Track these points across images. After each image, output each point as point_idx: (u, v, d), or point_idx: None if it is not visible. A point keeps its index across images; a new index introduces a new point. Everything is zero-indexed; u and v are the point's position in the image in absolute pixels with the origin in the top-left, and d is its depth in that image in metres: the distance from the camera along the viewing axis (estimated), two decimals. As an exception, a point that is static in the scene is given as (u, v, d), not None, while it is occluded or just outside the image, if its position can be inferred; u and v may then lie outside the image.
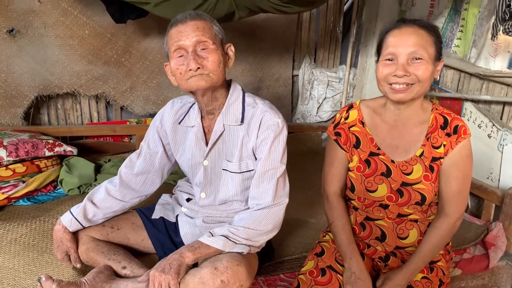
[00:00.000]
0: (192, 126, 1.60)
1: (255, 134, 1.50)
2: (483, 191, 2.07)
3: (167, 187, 2.01)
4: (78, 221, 1.57)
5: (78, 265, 1.58)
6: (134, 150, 2.87)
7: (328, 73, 3.45)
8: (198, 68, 1.39)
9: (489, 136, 2.36)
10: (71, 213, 1.58)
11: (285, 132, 1.51)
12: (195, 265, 1.43)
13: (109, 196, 1.63)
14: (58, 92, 2.77)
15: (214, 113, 1.55)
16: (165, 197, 1.83)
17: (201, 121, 1.59)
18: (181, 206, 1.73)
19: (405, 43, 1.32)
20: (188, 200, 1.72)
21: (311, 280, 1.46)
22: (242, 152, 1.54)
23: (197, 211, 1.66)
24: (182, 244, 1.62)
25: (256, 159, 1.54)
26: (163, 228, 1.70)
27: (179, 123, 1.63)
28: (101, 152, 2.88)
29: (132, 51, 2.84)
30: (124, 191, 1.65)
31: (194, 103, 1.61)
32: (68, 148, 2.41)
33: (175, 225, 1.70)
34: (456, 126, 1.40)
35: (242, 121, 1.52)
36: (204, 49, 1.41)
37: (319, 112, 3.48)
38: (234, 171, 1.55)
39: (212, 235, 1.41)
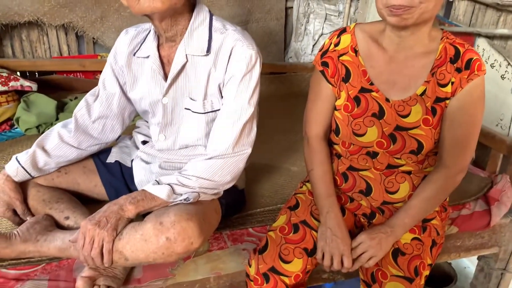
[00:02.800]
0: (147, 57, 1.33)
1: (223, 68, 1.25)
2: (490, 139, 1.81)
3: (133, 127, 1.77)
4: (26, 170, 1.34)
5: (28, 218, 1.33)
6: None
7: (327, 5, 3.09)
8: None
9: (502, 77, 2.07)
10: (18, 161, 1.33)
11: (258, 67, 1.26)
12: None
13: (62, 143, 1.38)
14: (19, 20, 2.46)
15: (175, 40, 1.28)
16: (124, 139, 1.60)
17: (158, 50, 1.31)
18: (138, 149, 1.50)
19: None
20: (144, 142, 1.48)
21: (282, 238, 1.26)
22: (208, 87, 1.29)
23: (154, 156, 1.43)
24: None
25: (222, 97, 1.30)
26: (118, 174, 1.49)
27: (134, 55, 1.36)
28: (71, 90, 2.61)
29: (101, -27, 2.51)
30: (80, 138, 1.41)
31: (151, 29, 1.33)
32: (26, 83, 2.15)
33: (131, 170, 1.48)
34: (470, 60, 1.12)
35: (208, 50, 1.26)
36: None
37: (315, 50, 3.16)
38: (197, 111, 1.32)
39: (158, 183, 1.19)
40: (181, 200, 1.18)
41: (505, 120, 2.06)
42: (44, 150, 1.37)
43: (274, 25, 3.07)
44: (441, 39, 1.16)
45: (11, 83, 2.09)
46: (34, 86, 2.18)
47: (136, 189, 1.42)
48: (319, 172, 1.30)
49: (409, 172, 1.26)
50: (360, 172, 1.29)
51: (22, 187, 1.36)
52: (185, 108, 1.34)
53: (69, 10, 2.53)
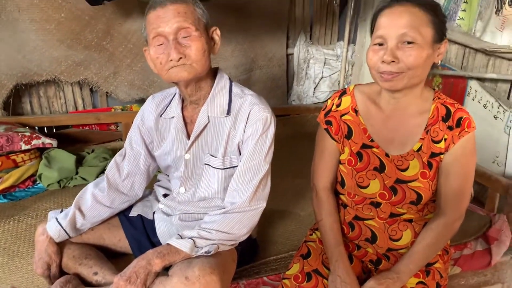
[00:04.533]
0: (172, 117, 1.48)
1: (242, 129, 1.39)
2: (487, 179, 1.91)
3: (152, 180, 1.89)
4: (66, 232, 1.44)
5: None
6: (121, 138, 2.82)
7: (325, 50, 3.26)
8: (180, 58, 1.27)
9: (495, 117, 2.20)
10: (59, 223, 1.43)
11: (273, 128, 1.40)
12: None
13: (97, 203, 1.50)
14: (37, 80, 2.64)
15: (198, 103, 1.44)
16: (145, 193, 1.71)
17: (182, 111, 1.47)
18: (158, 202, 1.61)
19: (395, 24, 1.15)
20: (165, 196, 1.60)
21: (296, 286, 1.34)
22: (228, 146, 1.42)
23: (174, 208, 1.55)
24: (159, 244, 1.52)
25: (240, 154, 1.42)
26: (140, 227, 1.59)
27: (161, 116, 1.51)
28: (87, 142, 2.76)
29: (114, 33, 2.68)
30: (112, 196, 1.53)
31: (176, 93, 1.49)
32: (47, 140, 2.29)
33: (153, 223, 1.59)
34: (460, 119, 1.25)
35: (228, 112, 1.41)
36: (186, 36, 1.28)
37: (316, 93, 3.32)
38: (217, 167, 1.44)
39: (181, 237, 1.30)
40: (202, 253, 1.28)
41: (501, 158, 2.18)
42: (81, 211, 1.47)
43: (276, 71, 3.23)
44: (433, 99, 1.29)
45: (34, 141, 2.22)
46: (55, 143, 2.32)
47: (157, 241, 1.54)
48: (328, 223, 1.40)
49: (410, 220, 1.35)
50: (365, 221, 1.39)
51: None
52: (205, 164, 1.46)
53: (84, 68, 2.70)
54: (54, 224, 1.43)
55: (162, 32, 1.28)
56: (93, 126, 2.83)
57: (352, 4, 3.17)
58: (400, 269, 1.31)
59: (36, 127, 2.65)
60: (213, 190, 1.47)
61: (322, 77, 3.28)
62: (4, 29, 2.46)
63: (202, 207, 1.51)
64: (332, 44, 3.35)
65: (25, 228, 1.83)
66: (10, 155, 2.14)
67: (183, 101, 1.47)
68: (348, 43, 3.26)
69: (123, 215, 1.60)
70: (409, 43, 1.14)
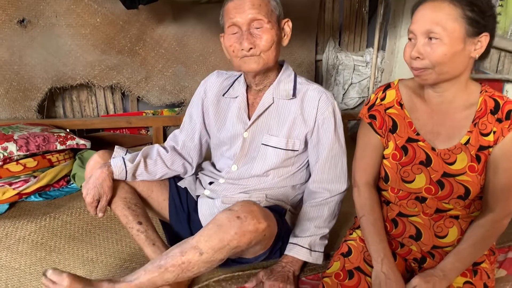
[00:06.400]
0: (236, 97, 1.55)
1: (313, 116, 1.48)
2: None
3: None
4: (126, 175, 1.48)
5: (100, 214, 1.46)
6: (151, 143, 2.84)
7: (354, 56, 3.25)
8: (251, 48, 1.37)
9: (535, 120, 2.13)
10: (125, 165, 1.47)
11: (339, 112, 1.53)
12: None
13: (160, 159, 1.57)
14: (71, 83, 2.69)
15: (263, 90, 1.52)
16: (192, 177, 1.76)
17: (246, 92, 1.55)
18: (204, 188, 1.64)
19: (423, 20, 1.15)
20: (210, 183, 1.64)
21: (338, 284, 1.31)
22: (293, 129, 1.50)
23: (218, 193, 1.59)
24: (196, 223, 1.56)
25: (305, 142, 1.53)
26: (184, 198, 1.63)
27: (223, 95, 1.59)
28: (117, 145, 2.78)
29: (146, 38, 2.73)
30: (173, 157, 1.61)
31: (240, 75, 1.57)
32: (81, 142, 2.32)
33: (196, 203, 1.62)
34: (510, 111, 1.22)
35: (294, 94, 1.49)
36: (258, 27, 1.38)
37: (345, 99, 3.30)
38: (279, 147, 1.51)
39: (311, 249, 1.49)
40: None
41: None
42: (145, 162, 1.53)
43: (305, 77, 3.19)
44: (480, 92, 1.26)
45: (68, 142, 2.26)
46: (88, 144, 2.35)
47: (195, 219, 1.57)
48: (370, 219, 1.37)
49: (456, 217, 1.31)
50: (410, 218, 1.35)
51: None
52: (262, 144, 1.52)
53: (117, 72, 2.74)
54: (120, 162, 1.48)
55: (236, 22, 1.38)
56: (123, 130, 2.86)
57: (382, 11, 3.16)
58: (446, 267, 1.27)
59: (67, 130, 2.68)
60: (267, 168, 1.53)
61: (351, 83, 3.26)
62: (42, 34, 2.53)
63: (247, 185, 1.56)
64: (361, 50, 3.34)
65: (61, 225, 1.86)
66: (46, 154, 2.17)
67: (247, 84, 1.55)
68: (378, 50, 3.25)
69: (173, 180, 1.65)
70: (434, 39, 1.13)
